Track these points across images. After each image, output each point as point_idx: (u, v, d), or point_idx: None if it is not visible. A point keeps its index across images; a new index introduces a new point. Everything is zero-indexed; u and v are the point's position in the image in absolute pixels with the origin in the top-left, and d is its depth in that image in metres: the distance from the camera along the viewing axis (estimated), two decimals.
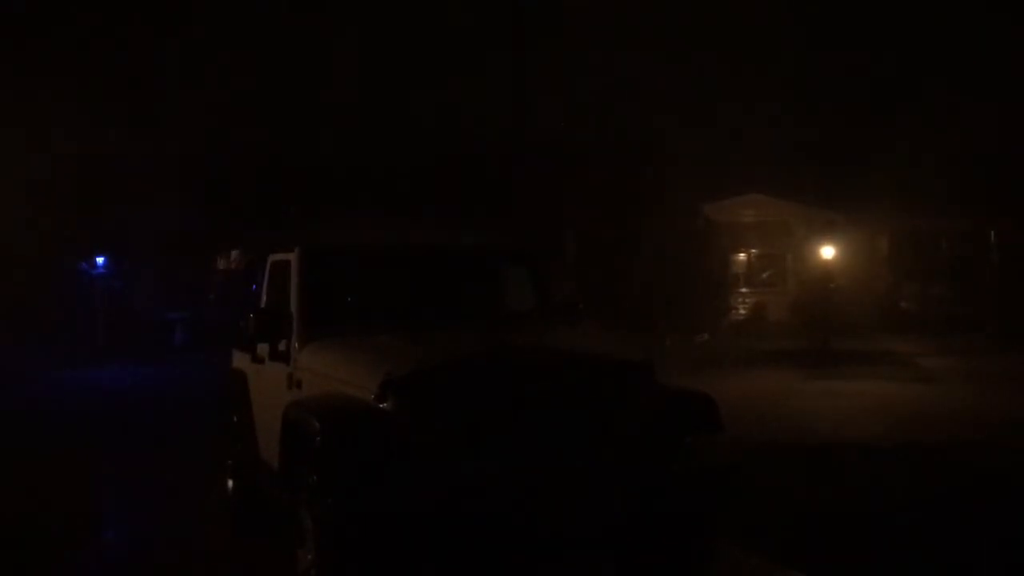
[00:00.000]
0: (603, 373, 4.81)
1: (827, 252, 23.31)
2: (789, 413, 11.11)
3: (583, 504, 4.48)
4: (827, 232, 24.36)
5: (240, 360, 6.78)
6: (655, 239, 20.51)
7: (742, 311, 25.02)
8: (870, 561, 5.67)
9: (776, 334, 21.12)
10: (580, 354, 5.10)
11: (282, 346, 5.65)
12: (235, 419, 6.70)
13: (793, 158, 25.70)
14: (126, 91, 19.65)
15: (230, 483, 6.87)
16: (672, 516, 4.70)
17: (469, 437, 4.40)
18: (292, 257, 5.92)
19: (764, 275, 26.80)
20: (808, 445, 9.05)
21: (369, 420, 4.43)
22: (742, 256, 26.86)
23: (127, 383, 15.92)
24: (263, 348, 5.96)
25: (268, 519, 5.83)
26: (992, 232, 25.93)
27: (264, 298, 6.38)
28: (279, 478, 5.22)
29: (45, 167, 19.50)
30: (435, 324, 5.58)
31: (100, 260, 23.29)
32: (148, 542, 6.42)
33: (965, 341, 19.43)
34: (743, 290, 26.04)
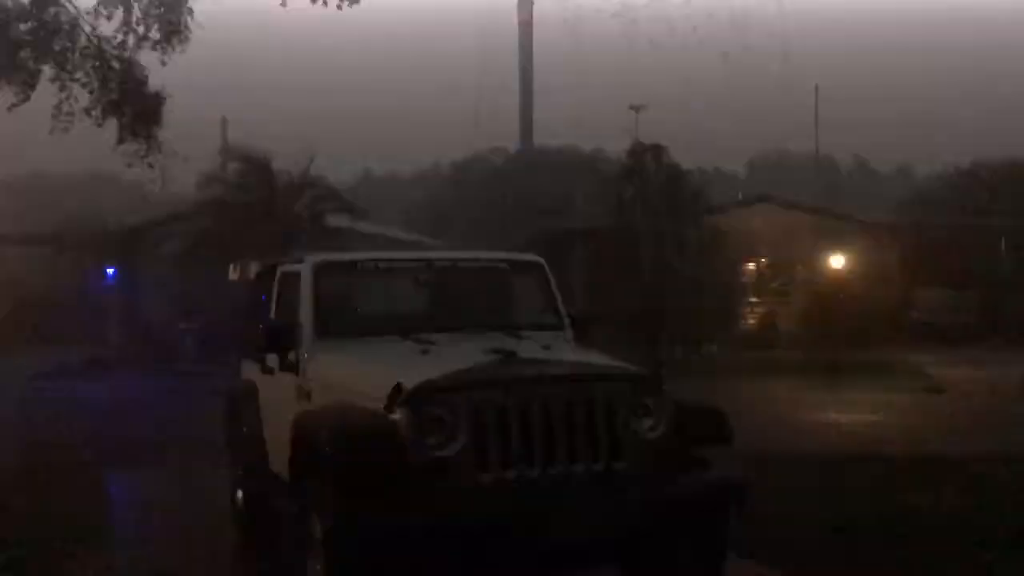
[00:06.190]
0: (611, 384, 4.81)
1: (837, 261, 23.25)
2: (799, 424, 11.08)
3: (591, 516, 4.48)
4: (837, 241, 24.31)
5: (249, 370, 6.81)
6: (664, 248, 20.49)
7: (751, 321, 24.94)
8: (880, 573, 5.64)
9: (786, 344, 21.05)
10: (588, 365, 5.11)
11: (292, 357, 5.67)
12: (245, 429, 6.72)
13: (803, 166, 25.67)
14: (137, 95, 19.74)
15: (240, 493, 6.88)
16: (681, 529, 4.69)
17: (477, 448, 4.41)
18: (302, 268, 5.95)
19: (773, 284, 26.70)
20: (818, 456, 9.01)
21: (378, 431, 4.45)
22: (751, 265, 26.79)
23: (136, 392, 15.97)
24: (273, 359, 5.99)
25: (278, 529, 5.85)
26: (1003, 240, 25.84)
27: (274, 308, 6.42)
28: (289, 488, 5.24)
29: (58, 176, 19.63)
30: (444, 335, 5.59)
31: (110, 271, 23.42)
32: (157, 552, 6.44)
33: (976, 350, 19.33)
34: (752, 300, 25.96)
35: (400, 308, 6.21)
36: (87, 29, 11.55)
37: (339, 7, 11.40)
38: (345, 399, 4.92)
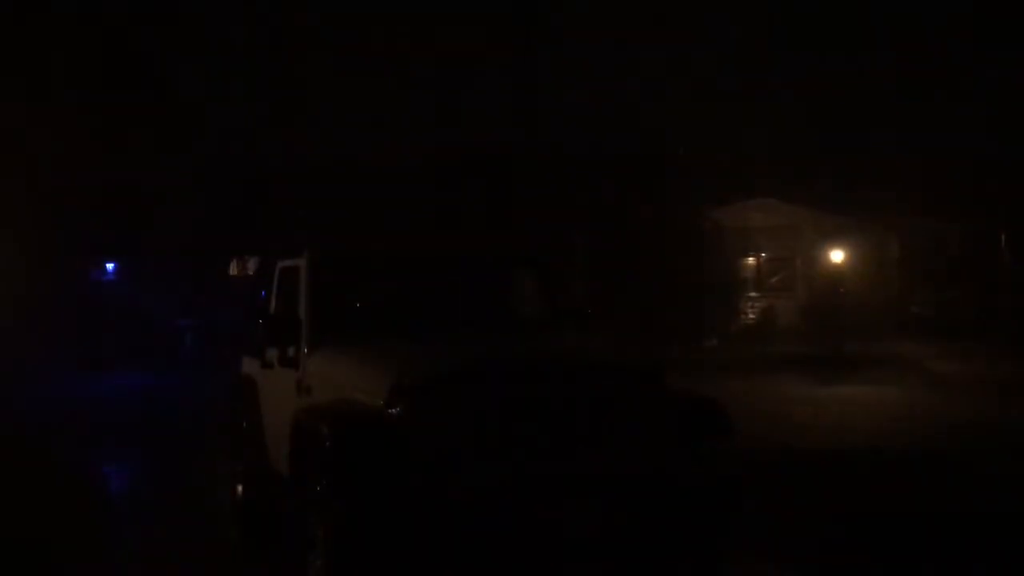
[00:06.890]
0: (612, 379, 4.80)
1: (837, 256, 23.23)
2: (799, 419, 11.05)
3: (591, 510, 4.46)
4: (837, 236, 24.30)
5: (249, 366, 6.78)
6: (664, 243, 20.48)
7: (751, 316, 24.93)
8: (881, 568, 5.63)
9: (786, 339, 21.02)
10: (589, 360, 5.09)
11: (291, 352, 5.65)
12: (244, 425, 6.70)
13: (803, 161, 25.65)
14: (141, 98, 19.77)
15: (239, 489, 6.87)
16: (681, 522, 4.68)
17: (478, 443, 4.39)
18: (301, 262, 5.93)
19: (774, 279, 26.68)
20: (819, 451, 8.99)
21: (378, 426, 4.43)
22: (751, 260, 26.76)
23: (135, 389, 15.95)
24: (272, 354, 5.96)
25: (278, 525, 5.83)
26: (1003, 234, 25.80)
27: (273, 303, 6.40)
28: (289, 484, 5.22)
29: (57, 173, 19.62)
30: (445, 330, 5.58)
31: (110, 266, 23.38)
32: (156, 549, 6.42)
33: (977, 345, 19.30)
34: (752, 294, 25.93)
35: (401, 302, 6.18)
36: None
37: None
38: (345, 394, 4.90)
